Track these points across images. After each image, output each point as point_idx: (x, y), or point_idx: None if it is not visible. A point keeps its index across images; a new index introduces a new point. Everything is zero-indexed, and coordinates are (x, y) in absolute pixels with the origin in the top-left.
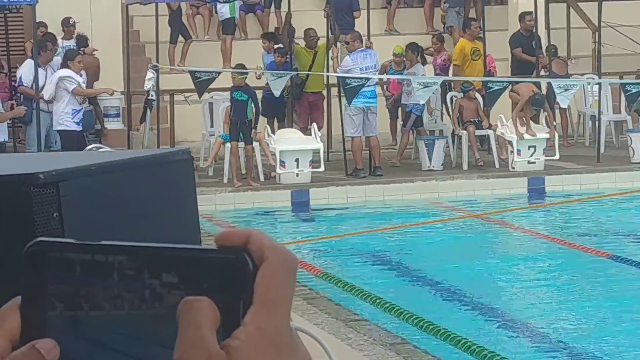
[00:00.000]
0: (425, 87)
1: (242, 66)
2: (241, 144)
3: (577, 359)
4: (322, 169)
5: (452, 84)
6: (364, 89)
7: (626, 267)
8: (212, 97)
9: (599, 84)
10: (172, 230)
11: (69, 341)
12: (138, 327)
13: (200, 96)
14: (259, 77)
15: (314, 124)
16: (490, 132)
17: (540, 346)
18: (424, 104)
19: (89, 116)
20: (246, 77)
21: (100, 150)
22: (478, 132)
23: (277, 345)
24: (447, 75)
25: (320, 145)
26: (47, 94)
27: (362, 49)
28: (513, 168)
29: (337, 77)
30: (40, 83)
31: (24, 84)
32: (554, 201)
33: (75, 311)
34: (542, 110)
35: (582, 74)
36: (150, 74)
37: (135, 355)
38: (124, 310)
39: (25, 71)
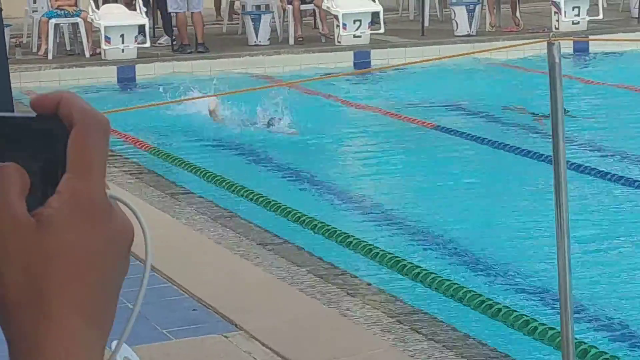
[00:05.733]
0: None
1: None
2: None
3: (403, 224)
4: (147, 44)
5: None
6: None
7: (449, 137)
8: None
9: None
10: None
11: None
12: None
13: None
14: None
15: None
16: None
17: (368, 212)
18: None
19: None
20: None
21: None
22: (303, 7)
23: (92, 213)
24: None
25: (145, 21)
26: None
27: None
28: (339, 42)
29: None
30: None
31: None
32: (379, 74)
33: None
34: None
35: None
36: None
37: None
38: None
39: None
